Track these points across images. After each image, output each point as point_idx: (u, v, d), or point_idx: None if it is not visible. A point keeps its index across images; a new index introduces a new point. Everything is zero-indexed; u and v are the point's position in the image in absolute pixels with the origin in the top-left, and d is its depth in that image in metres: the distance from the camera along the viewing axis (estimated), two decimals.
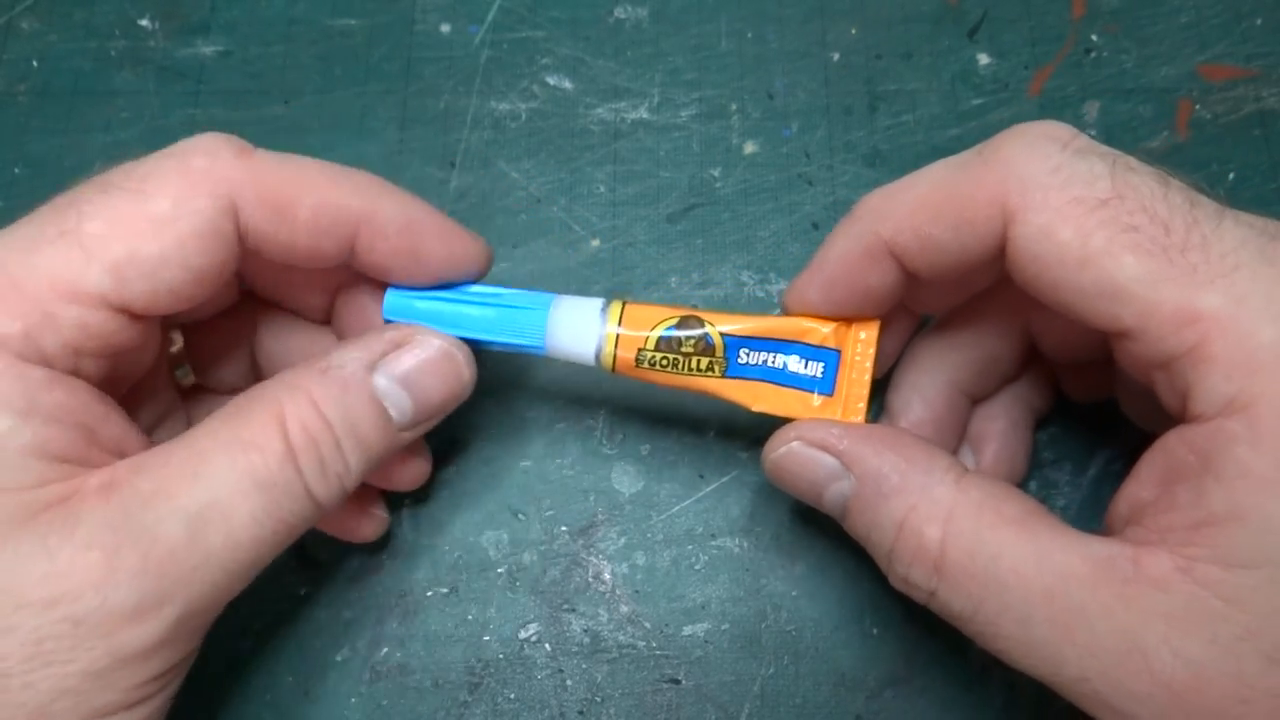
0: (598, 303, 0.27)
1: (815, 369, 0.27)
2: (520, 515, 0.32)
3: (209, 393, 0.30)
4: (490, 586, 0.31)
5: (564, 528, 0.32)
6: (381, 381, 0.24)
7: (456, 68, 0.37)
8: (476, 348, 0.27)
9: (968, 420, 0.29)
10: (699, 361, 0.26)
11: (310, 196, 0.24)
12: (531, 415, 0.33)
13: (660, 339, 0.26)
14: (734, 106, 0.36)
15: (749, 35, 0.37)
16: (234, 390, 0.29)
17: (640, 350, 0.26)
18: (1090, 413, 0.31)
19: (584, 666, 0.30)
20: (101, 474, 0.22)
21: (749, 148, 0.36)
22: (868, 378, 0.27)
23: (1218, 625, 0.19)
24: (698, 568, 0.31)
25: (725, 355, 0.27)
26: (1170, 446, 0.21)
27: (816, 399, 0.27)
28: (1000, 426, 0.29)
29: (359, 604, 0.31)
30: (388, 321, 0.27)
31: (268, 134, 0.36)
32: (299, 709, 0.30)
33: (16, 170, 0.36)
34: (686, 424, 0.33)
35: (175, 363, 0.29)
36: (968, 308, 0.28)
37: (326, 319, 0.29)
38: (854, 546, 0.25)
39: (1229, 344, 0.19)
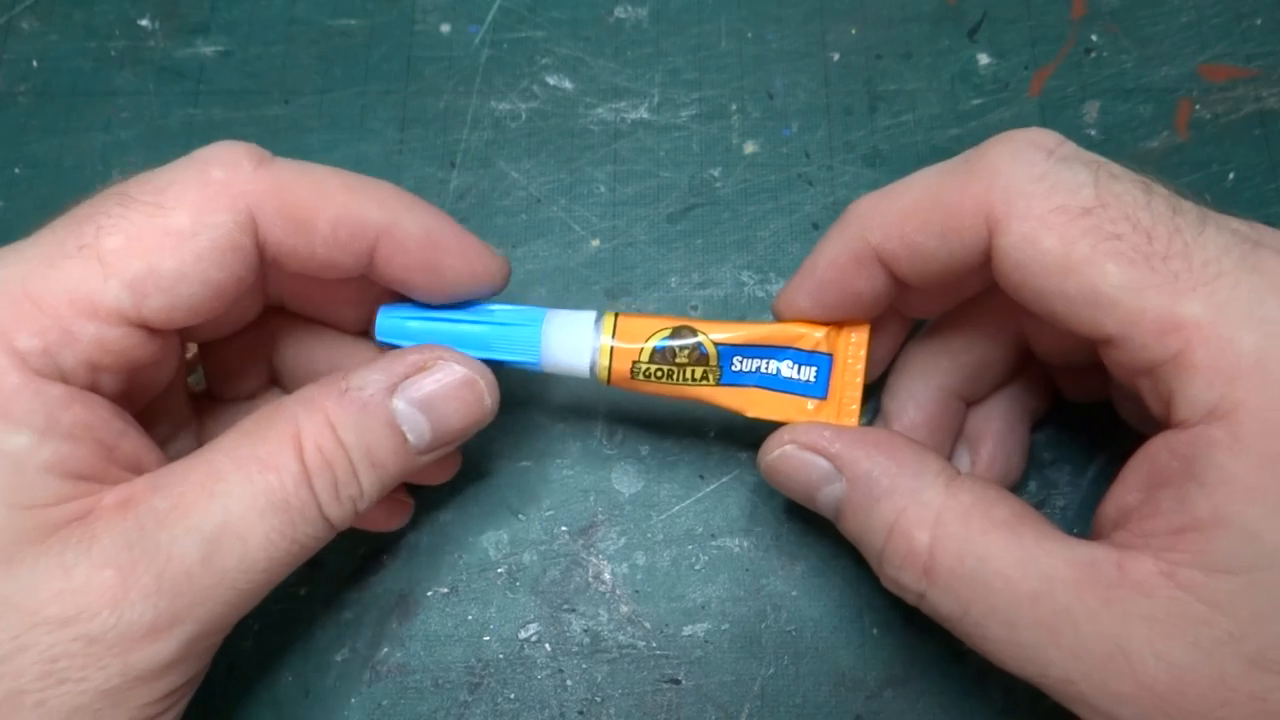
0: (590, 315, 0.27)
1: (808, 374, 0.27)
2: (520, 515, 0.32)
3: (221, 400, 0.30)
4: (490, 586, 0.31)
5: (564, 528, 0.32)
6: (401, 406, 0.24)
7: (456, 68, 0.37)
8: None
9: (963, 422, 0.30)
10: (693, 371, 0.27)
11: (330, 209, 0.24)
12: (531, 415, 0.33)
13: (654, 350, 0.27)
14: (734, 106, 0.36)
15: (749, 35, 0.37)
16: (249, 398, 0.29)
17: (635, 362, 0.27)
18: (1089, 413, 0.31)
19: (584, 666, 0.30)
20: (118, 490, 0.22)
21: (749, 148, 0.36)
22: (860, 380, 0.27)
23: (1199, 629, 0.19)
24: (698, 568, 0.31)
25: (719, 364, 0.27)
26: (1155, 452, 0.21)
27: (811, 403, 0.27)
28: (996, 427, 0.29)
29: (359, 604, 0.31)
30: (380, 344, 0.27)
31: (268, 134, 0.36)
32: (299, 709, 0.30)
33: (16, 170, 0.36)
34: (686, 424, 0.33)
35: (188, 368, 0.29)
36: (960, 312, 0.28)
37: (362, 330, 0.29)
38: (854, 547, 0.25)
39: (1210, 351, 0.20)
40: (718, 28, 0.37)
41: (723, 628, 0.30)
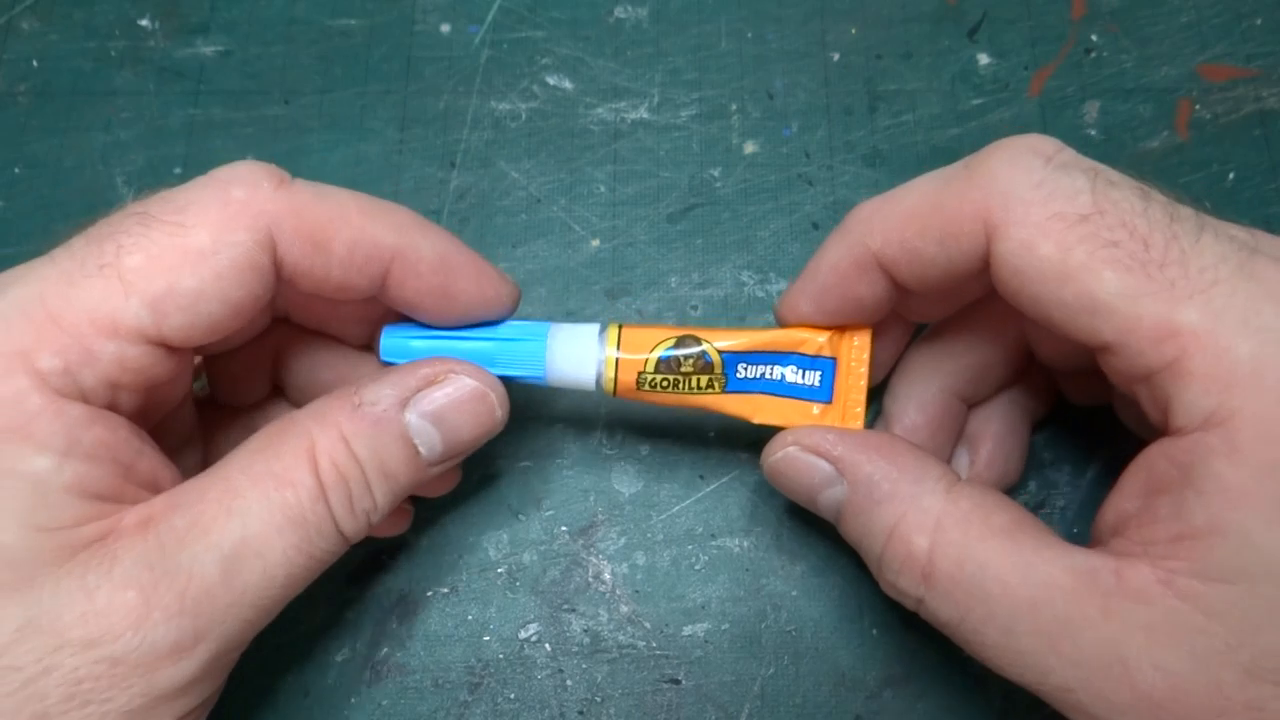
0: (594, 328, 0.27)
1: (813, 378, 0.27)
2: (520, 515, 0.32)
3: (225, 407, 0.30)
4: (490, 586, 0.31)
5: (564, 528, 0.32)
6: (413, 419, 0.24)
7: (456, 68, 0.37)
8: None
9: (964, 423, 0.30)
10: (699, 380, 0.27)
11: (346, 231, 0.24)
12: (531, 415, 0.33)
13: (660, 360, 0.27)
14: (734, 106, 0.36)
15: (749, 35, 0.37)
16: (253, 406, 0.30)
17: (640, 373, 0.27)
18: (1089, 414, 0.31)
19: (584, 666, 0.30)
20: (138, 510, 0.22)
21: (749, 147, 0.36)
22: (864, 383, 0.27)
23: (1196, 638, 0.19)
24: (698, 568, 0.31)
25: (724, 371, 0.27)
26: (1152, 459, 0.21)
27: (816, 408, 0.27)
28: (996, 428, 0.29)
29: (359, 604, 0.31)
30: (385, 364, 0.27)
31: (268, 134, 0.36)
32: (299, 709, 0.30)
33: (16, 170, 0.36)
34: (686, 424, 0.33)
35: (194, 375, 0.29)
36: (962, 316, 0.28)
37: (367, 345, 0.29)
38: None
39: (1207, 359, 0.20)
40: (718, 28, 0.37)
41: (723, 628, 0.30)
